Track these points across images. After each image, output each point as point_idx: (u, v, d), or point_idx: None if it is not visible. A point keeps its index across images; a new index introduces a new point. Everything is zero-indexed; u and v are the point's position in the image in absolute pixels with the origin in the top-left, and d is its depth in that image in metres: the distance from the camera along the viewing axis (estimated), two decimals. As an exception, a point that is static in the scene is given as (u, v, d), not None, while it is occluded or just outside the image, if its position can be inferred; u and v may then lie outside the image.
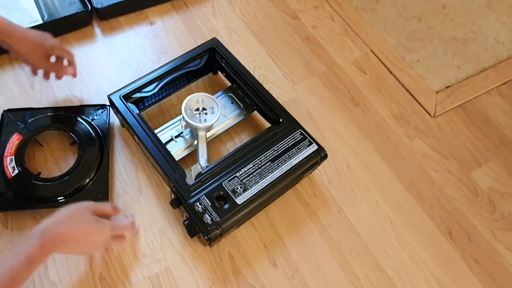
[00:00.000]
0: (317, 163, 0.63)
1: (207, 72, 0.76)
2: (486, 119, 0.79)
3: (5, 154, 0.62)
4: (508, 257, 0.65)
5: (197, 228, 0.56)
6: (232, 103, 0.71)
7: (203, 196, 0.56)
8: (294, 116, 0.66)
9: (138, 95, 0.66)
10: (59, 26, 0.79)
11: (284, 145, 0.62)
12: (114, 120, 0.70)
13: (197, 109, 0.65)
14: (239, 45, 0.83)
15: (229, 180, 0.58)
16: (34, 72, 0.68)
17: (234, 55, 0.72)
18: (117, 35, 0.82)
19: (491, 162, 0.74)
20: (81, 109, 0.69)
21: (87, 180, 0.62)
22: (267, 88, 0.72)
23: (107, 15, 0.83)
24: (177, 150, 0.65)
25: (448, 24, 0.94)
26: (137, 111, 0.64)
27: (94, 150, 0.65)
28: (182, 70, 0.69)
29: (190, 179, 0.59)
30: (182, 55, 0.70)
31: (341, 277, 0.60)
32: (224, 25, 0.86)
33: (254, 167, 0.60)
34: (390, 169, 0.71)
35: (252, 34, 0.86)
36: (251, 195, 0.57)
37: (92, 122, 0.68)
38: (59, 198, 0.61)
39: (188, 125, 0.64)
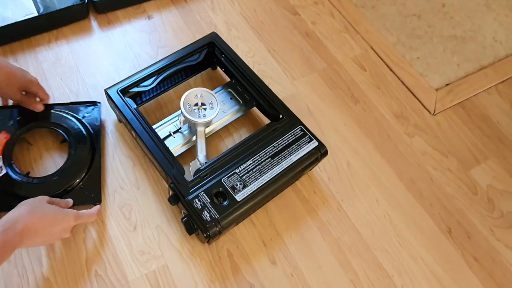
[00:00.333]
0: (317, 160, 0.61)
1: (206, 67, 0.74)
2: (485, 117, 0.78)
3: None
4: (507, 255, 0.64)
5: (196, 225, 0.54)
6: (231, 98, 0.69)
7: (202, 192, 0.55)
8: (294, 113, 0.65)
9: (136, 89, 0.64)
10: (55, 19, 0.77)
11: (284, 142, 0.61)
12: (109, 116, 0.68)
13: (196, 104, 0.63)
14: (238, 40, 0.82)
15: (229, 177, 0.57)
16: (4, 101, 0.67)
17: (234, 50, 0.70)
18: (114, 28, 0.80)
19: (490, 160, 0.73)
20: (72, 106, 0.67)
21: (78, 179, 0.60)
22: (266, 84, 0.70)
23: (104, 8, 0.81)
24: (175, 146, 0.63)
25: (447, 23, 0.93)
26: (135, 106, 0.62)
27: (85, 148, 0.62)
28: (181, 65, 0.68)
29: (189, 175, 0.57)
30: (180, 49, 0.68)
31: (340, 275, 0.58)
32: (223, 20, 0.84)
33: (253, 163, 0.58)
34: (390, 166, 0.70)
35: (251, 29, 0.84)
36: (251, 191, 0.56)
37: (83, 120, 0.65)
38: None
39: (186, 120, 0.63)
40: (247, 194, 0.56)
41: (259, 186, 0.56)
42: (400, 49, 0.87)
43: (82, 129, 0.64)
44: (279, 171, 0.58)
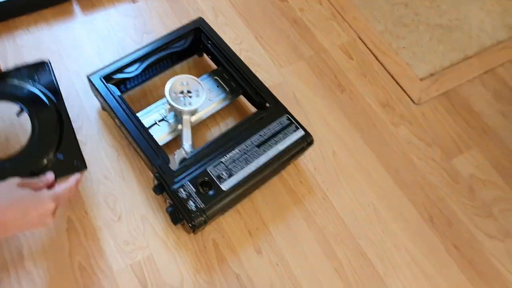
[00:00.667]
0: (303, 149, 0.60)
1: (192, 54, 0.71)
2: (469, 108, 0.78)
3: None
4: (485, 243, 0.64)
5: (181, 215, 0.52)
6: (217, 86, 0.67)
7: (187, 182, 0.53)
8: (281, 101, 0.63)
9: (119, 76, 0.62)
10: (35, 1, 0.72)
11: (271, 130, 0.59)
12: (92, 103, 0.65)
13: (182, 92, 0.61)
14: (225, 27, 0.79)
15: (214, 166, 0.55)
16: None
17: (221, 36, 0.68)
18: (97, 12, 0.76)
19: (472, 150, 0.73)
20: (17, 73, 0.58)
21: (51, 150, 0.52)
22: (253, 72, 0.68)
23: (86, -10, 0.77)
24: (161, 134, 0.61)
25: (434, 11, 0.92)
26: (119, 93, 0.59)
27: (49, 113, 0.54)
28: (166, 51, 0.65)
29: (174, 164, 0.55)
30: (166, 35, 0.65)
31: (325, 264, 0.58)
32: (210, 5, 0.81)
33: (240, 152, 0.57)
34: (376, 156, 0.69)
35: (239, 15, 0.81)
36: (237, 181, 0.54)
37: (36, 85, 0.56)
38: None
39: (172, 108, 0.60)
40: (233, 184, 0.54)
41: (245, 175, 0.55)
42: (387, 37, 0.85)
43: (39, 94, 0.55)
44: (265, 160, 0.57)
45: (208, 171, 0.54)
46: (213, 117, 0.67)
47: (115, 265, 0.54)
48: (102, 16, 0.76)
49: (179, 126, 0.62)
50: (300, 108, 0.72)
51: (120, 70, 0.61)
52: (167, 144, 0.62)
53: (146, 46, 0.63)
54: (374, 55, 0.81)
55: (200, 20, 0.68)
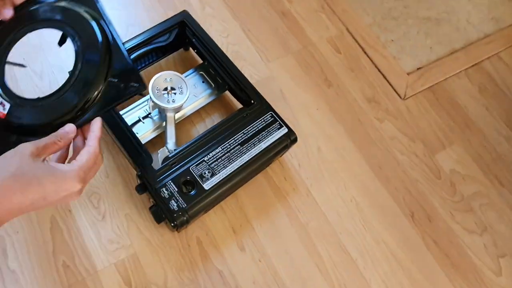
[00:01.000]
0: (286, 147, 0.58)
1: (178, 48, 0.68)
2: (453, 102, 0.76)
3: None
4: (464, 237, 0.64)
5: (164, 215, 0.51)
6: (203, 82, 0.64)
7: (170, 181, 0.51)
8: (267, 97, 0.61)
9: (102, 72, 0.58)
10: None
11: (254, 128, 0.57)
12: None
13: (165, 89, 0.58)
14: (212, 19, 0.75)
15: (197, 165, 0.53)
16: None
17: (207, 29, 0.64)
18: (81, 3, 0.72)
19: (455, 145, 0.72)
20: None
21: (104, 70, 0.43)
22: (240, 67, 0.65)
23: (69, -20, 0.72)
24: (145, 131, 0.59)
25: (422, 4, 0.88)
26: (100, 90, 0.56)
27: (93, 34, 0.44)
28: (150, 46, 0.61)
29: (157, 163, 0.54)
30: (149, 29, 0.62)
31: (307, 259, 0.57)
32: (196, -4, 0.77)
33: (222, 151, 0.55)
34: (360, 152, 0.68)
35: (226, 7, 0.77)
36: (219, 180, 0.53)
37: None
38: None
39: (155, 105, 0.58)
40: (215, 183, 0.52)
41: (227, 174, 0.53)
42: (375, 30, 0.82)
43: (83, 13, 0.45)
44: (247, 159, 0.55)
45: (191, 170, 0.53)
46: (198, 113, 0.64)
47: (99, 264, 0.52)
48: (86, 7, 0.72)
49: (164, 123, 0.59)
50: (286, 103, 0.69)
51: (102, 66, 0.58)
52: (152, 141, 0.59)
53: (129, 41, 0.60)
54: (362, 49, 0.78)
55: (185, 14, 0.64)
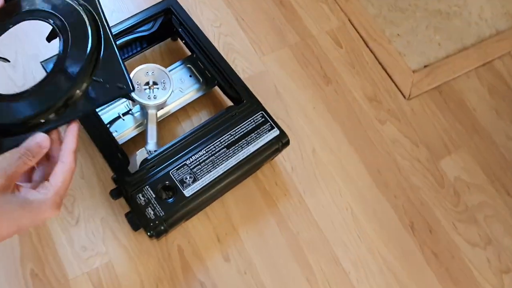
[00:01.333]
0: (278, 150, 0.54)
1: (164, 38, 0.63)
2: (461, 104, 0.71)
3: None
4: (466, 250, 0.60)
5: (140, 223, 0.47)
6: (190, 76, 0.59)
7: (147, 186, 0.47)
8: (260, 93, 0.56)
9: (77, 63, 0.54)
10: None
11: (243, 129, 0.52)
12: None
13: (147, 83, 0.53)
14: (203, 6, 0.70)
15: (177, 169, 0.49)
16: None
17: (198, 18, 0.60)
18: (62, -14, 0.67)
19: (461, 150, 0.67)
20: None
21: (89, 68, 0.38)
22: (232, 60, 0.60)
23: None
24: (125, 129, 0.54)
25: (433, -5, 0.83)
26: (75, 83, 0.52)
27: (82, 25, 0.40)
28: (132, 35, 0.56)
29: (135, 166, 0.49)
30: (131, 16, 0.57)
31: (296, 272, 0.53)
32: (188, -18, 0.71)
33: (206, 154, 0.50)
34: (357, 155, 0.63)
35: (219, -6, 0.72)
36: (201, 186, 0.48)
37: None
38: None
39: (136, 101, 0.53)
40: (197, 189, 0.48)
41: (210, 180, 0.49)
42: (380, 23, 0.76)
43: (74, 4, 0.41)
44: (234, 163, 0.50)
45: (171, 174, 0.48)
46: (184, 110, 0.60)
47: (70, 273, 0.49)
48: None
49: (146, 121, 0.55)
50: (280, 101, 0.65)
51: (78, 57, 0.53)
52: (133, 140, 0.55)
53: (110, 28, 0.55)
54: (365, 43, 0.73)
55: (171, 0, 0.59)
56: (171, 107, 0.57)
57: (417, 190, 0.62)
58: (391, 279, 0.56)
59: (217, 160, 0.50)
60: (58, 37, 0.41)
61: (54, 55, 0.53)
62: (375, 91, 0.69)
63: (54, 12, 0.42)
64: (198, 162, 0.50)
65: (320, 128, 0.64)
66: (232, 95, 0.56)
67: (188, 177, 0.49)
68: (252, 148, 0.52)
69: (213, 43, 0.57)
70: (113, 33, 0.54)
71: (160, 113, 0.56)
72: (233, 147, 0.51)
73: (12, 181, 0.33)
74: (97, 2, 0.43)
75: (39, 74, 0.58)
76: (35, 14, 0.42)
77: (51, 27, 0.42)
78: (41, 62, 0.52)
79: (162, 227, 0.46)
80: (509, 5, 0.84)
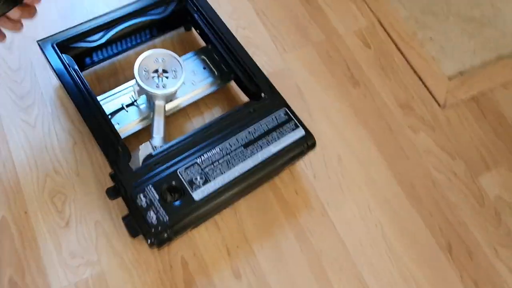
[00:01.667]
0: (302, 153, 0.49)
1: (177, 26, 0.59)
2: (500, 116, 0.66)
3: None
4: (509, 279, 0.53)
5: (139, 228, 0.41)
6: (204, 68, 0.55)
7: (150, 186, 0.42)
8: (281, 92, 0.51)
9: (80, 45, 0.49)
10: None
11: (263, 127, 0.47)
12: (49, 78, 0.54)
13: (156, 71, 0.49)
14: (221, -2, 0.66)
15: (187, 168, 0.43)
16: None
17: (215, 9, 0.55)
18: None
19: (501, 166, 0.61)
20: None
21: None
22: (250, 54, 0.55)
23: None
24: (128, 122, 0.49)
25: (466, 1, 0.79)
26: (76, 67, 0.47)
27: None
28: (141, 18, 0.52)
29: (137, 162, 0.44)
30: (143, -1, 0.53)
31: (317, 295, 0.47)
32: (205, -29, 0.68)
33: (221, 152, 0.45)
34: (388, 165, 0.57)
35: (239, -14, 0.68)
36: (213, 189, 0.43)
37: None
38: None
39: (142, 90, 0.48)
40: (208, 192, 0.43)
41: (224, 182, 0.43)
42: (412, 25, 0.72)
43: None
44: (252, 165, 0.45)
45: (179, 173, 0.43)
46: (196, 105, 0.55)
47: (55, 283, 0.42)
48: (76, -27, 0.63)
49: (152, 114, 0.50)
50: (302, 102, 0.60)
51: (81, 37, 0.49)
52: (136, 135, 0.50)
53: (117, 10, 0.51)
54: (396, 45, 0.68)
55: (189, -15, 0.55)
56: (181, 101, 0.52)
57: (454, 207, 0.56)
58: (427, 310, 0.49)
59: (233, 160, 0.45)
60: None
61: (50, 35, 0.49)
62: (407, 96, 0.64)
63: None
64: (210, 161, 0.44)
65: (346, 134, 0.59)
66: (251, 89, 0.52)
67: (198, 177, 0.43)
68: (273, 148, 0.46)
69: (230, 34, 0.53)
70: (122, 14, 0.50)
71: (168, 106, 0.51)
72: (252, 146, 0.46)
73: None
74: None
75: (36, 57, 0.54)
76: None
77: None
78: (37, 41, 0.48)
79: (165, 235, 0.40)
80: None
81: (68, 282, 0.43)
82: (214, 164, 0.44)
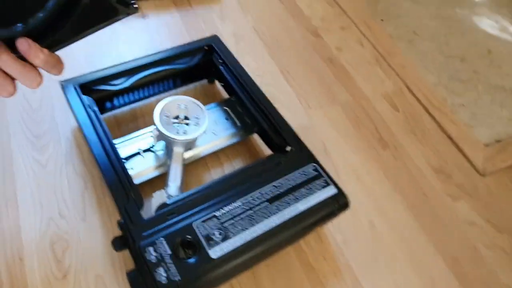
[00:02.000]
0: (333, 214, 0.45)
1: (201, 78, 0.60)
2: (546, 188, 0.63)
3: None
4: None
5: (146, 286, 0.37)
6: (226, 119, 0.55)
7: (162, 238, 0.38)
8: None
9: (103, 87, 0.50)
10: None
11: (290, 182, 0.45)
12: (67, 119, 0.54)
13: (177, 117, 0.49)
14: (246, 55, 0.69)
15: (204, 221, 0.40)
16: None
17: (237, 60, 0.57)
18: (100, 23, 0.68)
19: (555, 244, 0.57)
20: None
21: None
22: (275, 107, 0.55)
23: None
24: (143, 168, 0.48)
25: (494, 71, 0.81)
26: (95, 108, 0.47)
27: None
28: (166, 66, 0.54)
29: (149, 211, 0.41)
30: (169, 48, 0.55)
31: None
32: (231, 30, 0.72)
33: (243, 206, 0.42)
34: (426, 235, 0.53)
35: (263, 45, 0.71)
36: (234, 247, 0.39)
37: None
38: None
39: (161, 136, 0.47)
40: (228, 251, 0.39)
41: (246, 240, 0.40)
42: (441, 91, 0.73)
43: None
44: (278, 222, 0.42)
45: (194, 226, 0.40)
46: (216, 156, 0.53)
47: None
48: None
49: (169, 161, 0.48)
50: (329, 160, 0.58)
51: (104, 80, 0.50)
52: (151, 182, 0.48)
53: (143, 57, 0.53)
54: (426, 109, 0.68)
55: (215, 38, 0.58)
56: (200, 150, 0.51)
57: (508, 291, 0.50)
58: None
59: (256, 216, 0.41)
60: None
61: (75, 76, 0.50)
62: (441, 162, 0.62)
63: None
64: (231, 216, 0.41)
65: (378, 197, 0.56)
66: (276, 142, 0.50)
67: (216, 233, 0.40)
68: (301, 206, 0.43)
69: (254, 89, 0.54)
70: (149, 61, 0.52)
71: (187, 155, 0.49)
72: (278, 201, 0.43)
73: None
74: None
75: (57, 97, 0.55)
76: None
77: None
78: (60, 81, 0.49)
79: (175, 297, 0.35)
80: None
81: None
82: (236, 219, 0.41)
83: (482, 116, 0.72)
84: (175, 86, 0.58)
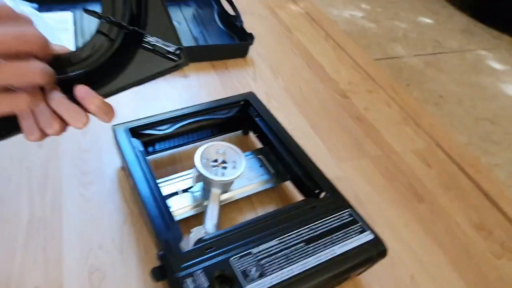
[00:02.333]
0: (371, 260, 0.45)
1: (237, 129, 0.65)
2: None
3: None
4: None
5: (180, 322, 0.37)
6: (260, 166, 0.58)
7: (200, 270, 0.39)
8: (339, 198, 0.51)
9: (149, 131, 0.55)
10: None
11: (326, 225, 0.46)
12: (112, 160, 0.58)
13: (215, 161, 0.52)
14: (277, 112, 0.73)
15: (241, 256, 0.41)
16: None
17: (271, 113, 0.62)
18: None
19: None
20: None
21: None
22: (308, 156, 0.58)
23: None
24: (181, 207, 0.50)
25: (526, 135, 0.83)
26: (142, 149, 0.51)
27: None
28: (206, 116, 0.59)
29: (187, 244, 0.42)
30: (210, 101, 0.61)
31: None
32: (263, 90, 0.78)
33: (280, 245, 0.43)
34: (472, 294, 0.51)
35: (294, 104, 0.77)
36: (270, 284, 0.39)
37: None
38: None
39: (200, 177, 0.50)
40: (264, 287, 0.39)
41: (283, 278, 0.40)
42: (473, 151, 0.75)
43: None
44: (315, 264, 0.42)
45: (231, 262, 0.40)
46: (249, 200, 0.55)
47: None
48: (151, 83, 0.75)
49: (205, 202, 0.50)
50: (364, 211, 0.58)
51: (151, 126, 0.55)
52: (186, 221, 0.50)
53: (186, 107, 0.58)
54: (460, 167, 0.69)
55: (251, 94, 0.63)
56: (235, 193, 0.53)
57: None
58: None
59: (293, 255, 0.42)
60: None
61: (124, 122, 0.55)
62: (481, 219, 0.61)
63: None
64: (267, 253, 0.42)
65: (416, 251, 0.55)
66: (310, 187, 0.52)
67: (253, 269, 0.40)
68: (338, 249, 0.44)
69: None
70: (189, 111, 0.57)
71: (223, 197, 0.52)
72: (314, 243, 0.44)
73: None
74: None
75: (105, 141, 0.60)
76: None
77: None
78: (113, 125, 0.54)
79: (210, 332, 0.35)
80: None
81: None
82: (272, 257, 0.41)
83: (519, 176, 0.72)
84: (213, 135, 0.62)
